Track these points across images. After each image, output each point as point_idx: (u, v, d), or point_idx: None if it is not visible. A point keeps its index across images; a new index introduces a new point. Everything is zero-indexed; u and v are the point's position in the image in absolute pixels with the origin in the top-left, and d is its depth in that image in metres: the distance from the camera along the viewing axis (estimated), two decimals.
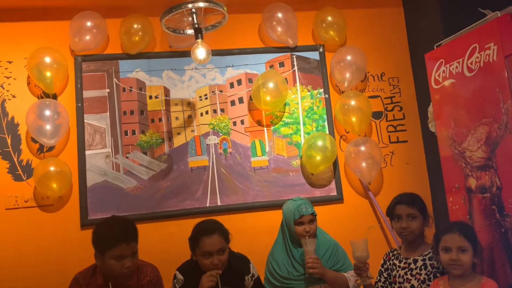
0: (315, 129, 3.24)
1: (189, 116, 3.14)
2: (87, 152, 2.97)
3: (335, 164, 3.20)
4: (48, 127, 2.80)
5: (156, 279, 2.14)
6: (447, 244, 1.93)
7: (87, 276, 2.10)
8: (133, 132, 3.06)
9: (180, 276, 2.24)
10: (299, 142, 3.21)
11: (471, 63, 2.35)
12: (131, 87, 3.09)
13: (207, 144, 3.12)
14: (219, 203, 3.05)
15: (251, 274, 2.30)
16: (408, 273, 2.16)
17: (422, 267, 2.13)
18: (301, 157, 3.18)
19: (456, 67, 2.46)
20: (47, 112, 2.81)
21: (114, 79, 3.08)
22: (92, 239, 2.08)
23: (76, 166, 2.94)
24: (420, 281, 2.10)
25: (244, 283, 2.27)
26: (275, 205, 3.05)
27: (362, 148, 3.09)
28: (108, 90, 3.06)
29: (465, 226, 2.04)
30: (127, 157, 3.02)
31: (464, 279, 1.89)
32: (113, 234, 2.03)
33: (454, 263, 1.89)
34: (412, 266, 2.16)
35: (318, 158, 3.04)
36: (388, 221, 3.06)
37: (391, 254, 2.32)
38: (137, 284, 2.09)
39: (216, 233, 2.18)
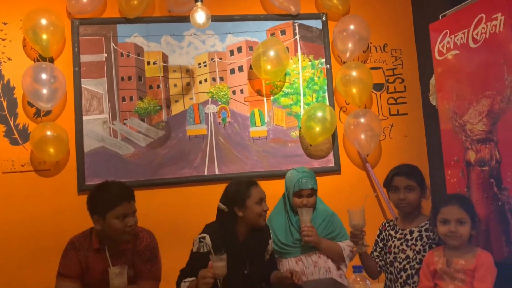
0: (315, 100, 3.20)
1: (188, 84, 3.09)
2: (84, 118, 2.94)
3: (334, 135, 3.19)
4: (44, 91, 2.75)
5: (153, 245, 2.14)
6: (445, 216, 1.93)
7: (83, 240, 2.10)
8: (131, 99, 3.02)
9: (209, 242, 2.11)
10: (299, 113, 3.18)
11: (477, 34, 2.30)
12: (129, 52, 3.03)
13: (205, 113, 3.08)
14: (217, 172, 3.04)
15: (271, 239, 2.34)
16: (404, 243, 2.17)
17: (418, 238, 2.14)
18: (300, 128, 3.15)
19: (461, 38, 2.41)
20: (44, 76, 2.76)
21: (112, 44, 3.01)
22: (90, 202, 2.07)
23: (73, 131, 2.92)
24: (415, 252, 2.12)
25: (268, 246, 2.30)
26: (274, 175, 3.04)
27: (362, 120, 3.07)
28: (105, 55, 3.00)
29: (464, 198, 2.04)
30: (124, 124, 2.99)
31: (459, 250, 1.90)
32: (115, 193, 2.03)
33: (452, 235, 1.90)
34: (408, 237, 2.17)
35: (317, 129, 3.02)
36: (385, 192, 3.10)
37: (387, 225, 2.33)
38: (133, 249, 2.09)
39: (258, 185, 2.27)
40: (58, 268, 2.06)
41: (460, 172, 2.43)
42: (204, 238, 2.13)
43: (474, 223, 1.91)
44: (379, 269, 2.26)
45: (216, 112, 3.10)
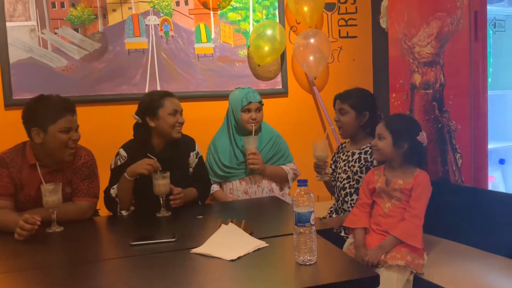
0: (265, 17, 3.04)
1: None
2: (8, 24, 2.62)
3: (283, 56, 3.09)
4: None
5: (91, 162, 2.05)
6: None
7: (14, 156, 1.95)
8: (62, 5, 2.71)
9: (123, 153, 2.17)
10: (247, 30, 3.03)
11: None
12: None
13: (146, 25, 2.85)
14: (159, 89, 2.87)
15: (196, 152, 2.30)
16: (347, 165, 2.22)
17: (357, 159, 2.18)
18: (249, 47, 3.01)
19: None
20: None
21: None
22: (28, 114, 1.90)
23: None
24: (353, 173, 2.17)
25: (189, 159, 2.27)
26: (219, 96, 2.94)
27: (312, 41, 2.98)
28: None
29: (389, 117, 2.13)
30: (55, 33, 2.71)
31: (398, 170, 1.94)
32: (59, 105, 1.90)
33: (372, 148, 2.01)
34: (350, 158, 2.21)
35: (266, 48, 2.91)
36: (330, 117, 3.12)
37: (339, 147, 2.37)
38: (71, 167, 2.00)
39: (175, 97, 2.24)
40: None
41: (405, 95, 2.45)
42: (118, 152, 2.17)
43: (396, 140, 1.92)
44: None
45: (158, 24, 2.87)
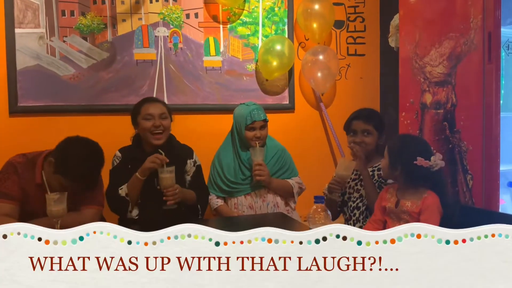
0: (274, 32, 3.04)
1: (137, 1, 2.80)
2: (16, 31, 2.60)
3: (291, 72, 3.08)
4: None
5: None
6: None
7: (25, 169, 1.91)
8: (72, 13, 2.70)
9: (118, 154, 2.24)
10: (256, 45, 3.02)
11: None
12: None
13: (155, 36, 2.84)
14: (166, 102, 2.84)
15: (193, 160, 2.30)
16: (358, 183, 2.18)
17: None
18: (257, 61, 3.01)
19: None
20: None
21: None
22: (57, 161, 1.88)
23: (3, 46, 2.58)
24: None
25: (186, 167, 2.28)
26: (226, 109, 2.90)
27: (320, 57, 2.98)
28: None
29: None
30: (64, 41, 2.69)
31: (408, 191, 1.87)
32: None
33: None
34: (362, 177, 2.18)
35: (275, 63, 2.90)
36: (337, 134, 3.10)
37: None
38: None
39: (159, 102, 2.27)
40: None
41: (415, 114, 2.43)
42: (114, 154, 2.23)
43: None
44: (338, 209, 2.26)
45: (167, 36, 2.86)
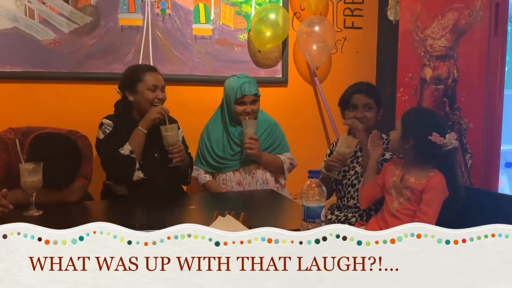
0: (268, 0, 2.89)
1: None
2: None
3: (285, 43, 2.94)
4: None
5: (86, 143, 2.01)
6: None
7: (15, 146, 1.78)
8: None
9: (108, 121, 2.10)
10: (249, 13, 2.87)
11: None
12: None
13: (142, 1, 2.67)
14: None
15: (180, 131, 2.25)
16: (354, 161, 2.08)
17: None
18: (249, 31, 2.86)
19: None
20: None
21: None
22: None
23: None
24: (363, 167, 2.03)
25: None
26: (215, 81, 2.78)
27: (316, 29, 2.84)
28: None
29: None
30: (43, 3, 2.52)
31: (412, 166, 1.78)
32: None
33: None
34: (359, 154, 2.08)
35: (268, 34, 2.76)
36: (331, 110, 2.98)
37: (335, 145, 2.21)
38: None
39: (159, 73, 2.18)
40: None
41: (413, 90, 2.33)
42: (102, 123, 2.10)
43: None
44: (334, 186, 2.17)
45: (155, 1, 2.69)
